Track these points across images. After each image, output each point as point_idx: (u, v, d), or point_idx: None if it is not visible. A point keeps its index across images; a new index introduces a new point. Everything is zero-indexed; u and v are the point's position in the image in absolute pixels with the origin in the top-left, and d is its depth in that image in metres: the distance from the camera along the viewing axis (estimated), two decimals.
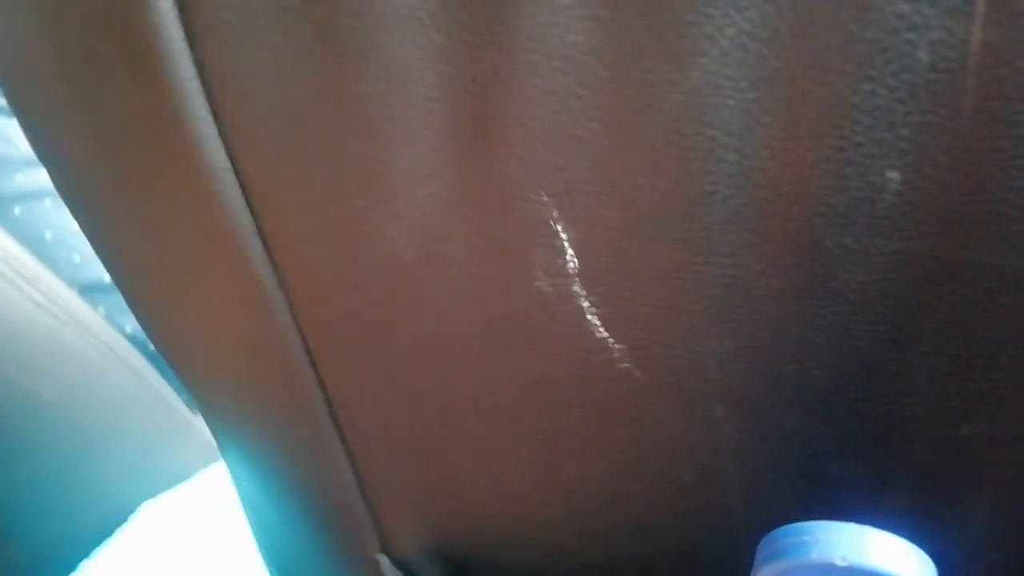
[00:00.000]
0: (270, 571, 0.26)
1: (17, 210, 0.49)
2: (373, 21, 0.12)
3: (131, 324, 0.54)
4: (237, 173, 0.14)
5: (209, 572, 0.41)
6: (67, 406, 0.43)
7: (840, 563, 0.10)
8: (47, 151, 0.18)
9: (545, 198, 0.13)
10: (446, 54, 0.12)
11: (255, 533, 0.26)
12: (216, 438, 0.24)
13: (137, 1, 0.13)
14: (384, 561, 0.20)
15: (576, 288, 0.14)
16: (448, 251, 0.14)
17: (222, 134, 0.14)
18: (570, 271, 0.14)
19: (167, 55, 0.13)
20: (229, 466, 0.25)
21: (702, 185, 0.12)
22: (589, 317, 0.15)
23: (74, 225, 0.56)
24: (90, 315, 0.47)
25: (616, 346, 0.15)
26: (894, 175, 0.12)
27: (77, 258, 0.52)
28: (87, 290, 0.51)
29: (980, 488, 0.15)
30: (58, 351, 0.43)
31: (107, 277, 0.54)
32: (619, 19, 0.12)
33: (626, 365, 0.15)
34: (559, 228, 0.14)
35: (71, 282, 0.48)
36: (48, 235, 0.50)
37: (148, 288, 0.19)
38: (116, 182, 0.16)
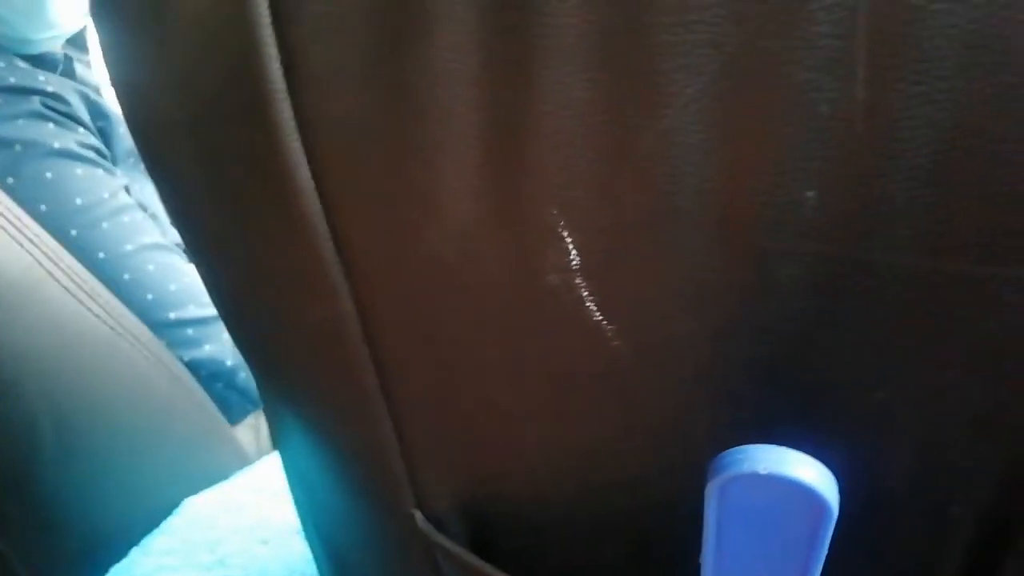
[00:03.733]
0: (308, 532, 0.30)
1: (74, 232, 0.54)
2: (430, 79, 0.17)
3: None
4: (321, 194, 0.19)
5: (247, 560, 0.45)
6: (120, 409, 0.48)
7: (762, 472, 0.14)
8: (166, 178, 0.22)
9: (555, 211, 0.18)
10: (483, 104, 0.17)
11: (297, 498, 0.30)
12: (271, 411, 0.29)
13: (253, 63, 0.18)
14: (419, 515, 0.24)
15: (578, 281, 0.18)
16: (481, 252, 0.19)
17: (311, 162, 0.19)
18: (573, 267, 0.18)
19: (273, 103, 0.18)
20: (279, 435, 0.29)
21: (671, 200, 0.17)
22: (588, 304, 0.19)
23: (122, 248, 0.61)
24: (141, 328, 0.51)
25: (608, 327, 0.19)
26: (811, 193, 0.16)
27: (126, 276, 0.57)
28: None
29: (895, 442, 0.19)
30: (114, 358, 0.48)
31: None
32: (611, 80, 0.16)
33: (616, 343, 0.19)
34: (565, 234, 0.18)
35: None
36: (101, 255, 0.55)
37: (234, 282, 0.24)
38: (223, 202, 0.21)
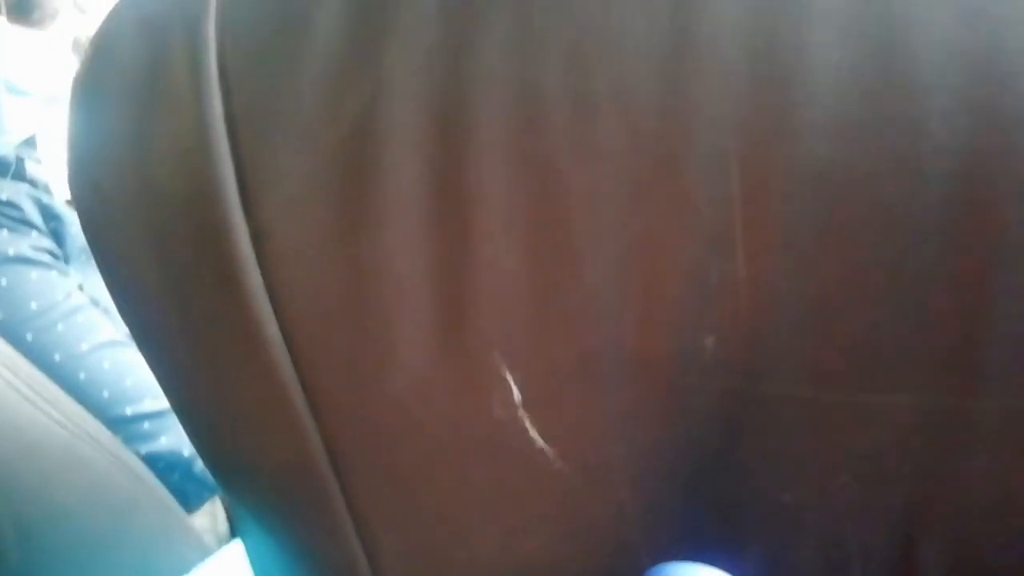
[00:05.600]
0: None
1: (29, 336, 0.55)
2: (384, 255, 0.19)
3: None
4: (289, 348, 0.21)
5: None
6: (82, 512, 0.48)
7: None
8: (136, 320, 0.24)
9: (497, 355, 0.21)
10: (430, 274, 0.20)
11: None
12: (233, 510, 0.30)
13: (223, 235, 0.20)
14: None
15: (521, 414, 0.21)
16: (434, 394, 0.21)
17: (279, 320, 0.21)
18: (516, 402, 0.21)
19: (243, 271, 0.20)
20: (243, 533, 0.31)
21: (594, 347, 0.20)
22: (531, 433, 0.21)
23: (77, 349, 0.62)
24: (100, 429, 0.52)
25: (550, 451, 0.22)
26: (710, 341, 0.19)
27: (82, 376, 0.58)
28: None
29: (802, 537, 0.22)
30: (74, 462, 0.49)
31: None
32: (536, 253, 0.19)
33: (558, 465, 0.22)
34: (507, 375, 0.21)
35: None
36: (57, 357, 0.56)
37: (203, 416, 0.26)
38: (191, 346, 0.23)
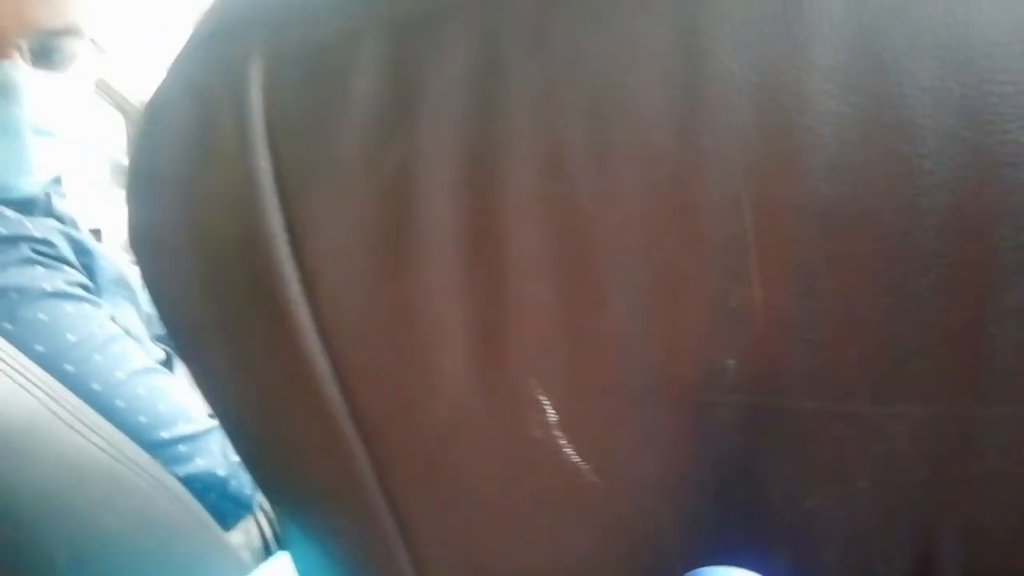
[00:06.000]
0: None
1: (69, 368, 0.57)
2: (424, 294, 0.21)
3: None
4: (338, 380, 0.23)
5: None
6: (128, 534, 0.50)
7: None
8: (195, 359, 0.26)
9: (532, 381, 0.22)
10: (467, 310, 0.21)
11: None
12: (284, 533, 0.32)
13: (275, 281, 0.22)
14: None
15: (556, 434, 0.23)
16: (474, 416, 0.23)
17: (329, 355, 0.23)
18: (551, 422, 0.23)
19: (294, 313, 0.22)
20: (290, 542, 0.33)
21: (623, 372, 0.21)
22: (566, 450, 0.23)
23: (114, 377, 0.64)
24: (140, 453, 0.54)
25: (585, 467, 0.23)
26: (732, 362, 0.21)
27: (120, 403, 0.60)
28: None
29: (825, 541, 0.23)
30: (119, 487, 0.50)
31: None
32: (565, 288, 0.21)
33: (594, 479, 0.23)
34: (542, 398, 0.22)
35: None
36: (95, 386, 0.58)
37: (257, 442, 0.27)
38: (249, 384, 0.25)
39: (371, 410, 0.23)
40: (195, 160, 0.22)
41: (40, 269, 0.57)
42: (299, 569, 0.36)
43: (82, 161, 0.69)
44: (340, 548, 0.29)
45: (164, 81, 0.23)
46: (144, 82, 1.49)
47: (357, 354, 0.23)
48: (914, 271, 0.18)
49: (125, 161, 1.56)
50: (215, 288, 0.23)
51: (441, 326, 0.22)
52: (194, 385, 0.31)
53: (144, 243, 0.24)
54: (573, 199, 0.19)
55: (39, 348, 0.55)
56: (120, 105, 1.46)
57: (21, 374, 0.48)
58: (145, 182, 0.23)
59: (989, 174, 0.17)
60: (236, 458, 0.68)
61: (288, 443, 0.26)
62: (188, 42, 0.23)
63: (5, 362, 0.48)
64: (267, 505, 0.85)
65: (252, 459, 0.28)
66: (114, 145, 1.50)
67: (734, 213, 0.19)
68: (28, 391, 0.47)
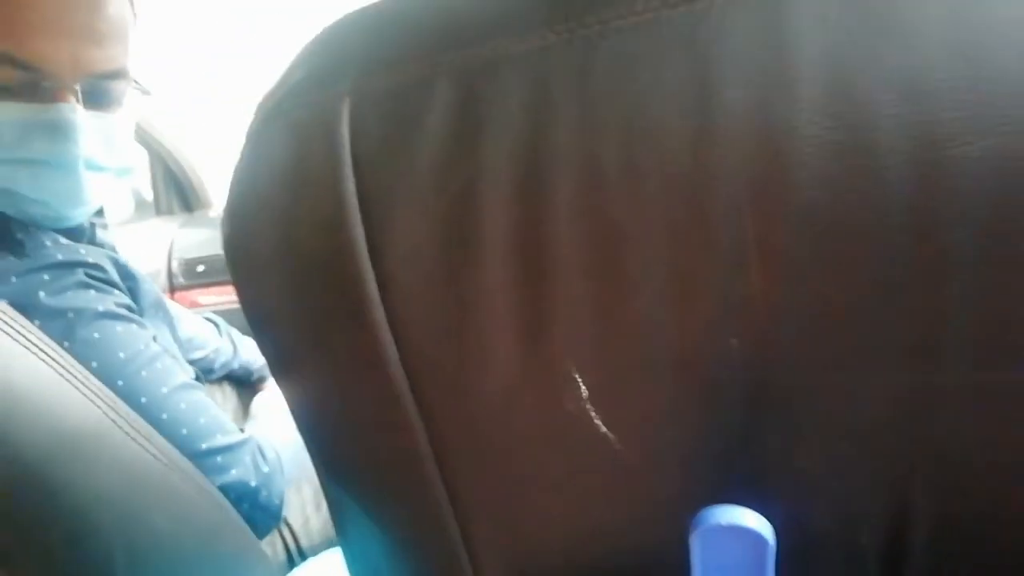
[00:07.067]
0: None
1: (120, 382, 0.61)
2: (479, 293, 0.26)
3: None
4: (405, 369, 0.27)
5: None
6: (178, 536, 0.54)
7: (724, 524, 0.23)
8: (277, 355, 0.31)
9: (568, 362, 0.27)
10: (515, 306, 0.26)
11: None
12: (335, 506, 0.36)
13: (359, 285, 0.27)
14: None
15: (588, 407, 0.27)
16: (519, 397, 0.27)
17: (398, 347, 0.27)
18: (584, 398, 0.27)
19: (372, 311, 0.27)
20: (343, 527, 0.37)
21: (644, 354, 0.26)
22: (596, 421, 0.28)
23: (159, 392, 0.68)
24: (186, 462, 0.58)
25: (612, 437, 0.28)
26: (735, 341, 0.25)
27: (164, 416, 0.64)
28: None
29: (816, 499, 0.28)
30: (170, 491, 0.55)
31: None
32: (597, 282, 0.25)
33: (620, 447, 0.28)
34: (576, 376, 0.27)
35: None
36: (143, 400, 0.63)
37: (329, 426, 0.32)
38: (327, 376, 0.29)
39: (429, 389, 0.28)
40: (291, 185, 0.27)
41: (93, 292, 0.62)
42: (352, 557, 0.40)
43: (125, 193, 0.74)
44: (395, 522, 0.33)
45: (261, 120, 0.28)
46: (167, 121, 1.56)
47: (422, 344, 0.27)
48: (882, 264, 0.23)
49: (148, 196, 1.62)
50: (303, 290, 0.28)
51: (494, 319, 0.26)
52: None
53: (241, 257, 0.29)
54: (606, 209, 0.24)
55: (94, 364, 0.59)
56: (145, 141, 1.52)
57: (86, 386, 0.53)
58: (243, 205, 0.28)
59: (937, 184, 0.22)
60: (266, 469, 0.72)
61: (358, 422, 0.30)
62: (282, 87, 0.28)
63: (74, 375, 0.52)
64: (292, 519, 0.89)
65: (321, 439, 0.33)
66: (138, 180, 1.55)
67: (737, 219, 0.23)
68: (93, 402, 0.52)
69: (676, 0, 0.24)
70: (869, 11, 0.23)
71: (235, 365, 1.03)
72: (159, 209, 1.63)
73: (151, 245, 1.45)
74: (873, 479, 0.27)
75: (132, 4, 0.69)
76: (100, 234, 0.75)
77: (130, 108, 0.70)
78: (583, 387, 0.27)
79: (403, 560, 0.34)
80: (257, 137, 0.28)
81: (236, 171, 0.29)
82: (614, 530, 0.29)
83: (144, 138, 1.49)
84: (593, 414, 0.27)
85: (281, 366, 0.31)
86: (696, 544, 0.24)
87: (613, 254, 0.25)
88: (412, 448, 0.30)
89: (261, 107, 0.29)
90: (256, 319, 0.30)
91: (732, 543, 0.24)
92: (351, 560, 0.40)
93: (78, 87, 0.63)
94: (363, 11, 0.28)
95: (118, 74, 0.66)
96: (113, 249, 0.75)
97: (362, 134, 0.26)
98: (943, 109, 0.22)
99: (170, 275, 1.42)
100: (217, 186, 1.66)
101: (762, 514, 0.27)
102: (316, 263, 0.28)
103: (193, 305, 1.38)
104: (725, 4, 0.24)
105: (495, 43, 0.25)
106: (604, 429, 0.28)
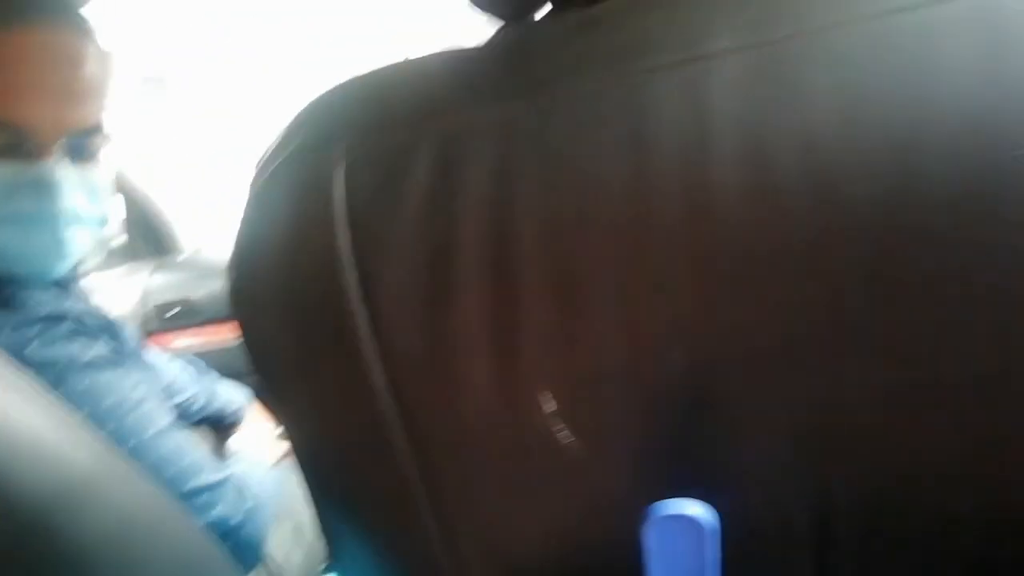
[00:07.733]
0: None
1: (110, 427, 0.64)
2: (456, 321, 0.30)
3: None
4: (393, 396, 0.31)
5: None
6: (171, 573, 0.57)
7: (673, 514, 0.27)
8: (273, 382, 0.34)
9: (535, 379, 0.31)
10: (488, 331, 0.30)
11: None
12: (328, 532, 0.40)
13: (350, 322, 0.31)
14: None
15: (552, 421, 0.31)
16: (493, 415, 0.31)
17: (386, 375, 0.31)
18: (549, 414, 0.31)
19: (363, 344, 0.31)
20: (338, 550, 0.40)
21: (600, 371, 0.30)
22: (561, 433, 0.32)
23: (146, 435, 0.70)
24: (176, 503, 0.61)
25: (576, 445, 0.32)
26: (676, 354, 0.29)
27: (151, 458, 0.67)
28: None
29: (754, 491, 0.32)
30: (166, 529, 0.57)
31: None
32: (560, 307, 0.29)
33: (583, 455, 0.32)
34: (543, 394, 0.31)
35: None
36: (131, 443, 0.65)
37: (318, 450, 0.35)
38: (318, 407, 0.33)
39: (413, 409, 0.32)
40: (290, 238, 0.31)
41: (80, 342, 0.64)
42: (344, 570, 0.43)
43: (104, 243, 0.77)
44: (381, 537, 0.37)
45: (263, 182, 0.32)
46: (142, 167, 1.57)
47: (406, 369, 0.31)
48: (790, 286, 0.28)
49: (118, 240, 1.63)
50: (300, 328, 0.32)
51: (468, 344, 0.30)
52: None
53: (244, 301, 0.33)
54: (563, 250, 0.29)
55: (84, 411, 0.62)
56: (118, 186, 1.54)
57: (81, 433, 0.55)
58: (247, 257, 0.32)
59: (831, 219, 0.27)
60: (250, 504, 0.75)
61: (348, 448, 0.34)
62: (281, 151, 0.32)
63: (69, 423, 0.55)
64: (275, 552, 0.90)
65: (315, 468, 0.36)
66: (113, 226, 1.56)
67: (670, 254, 0.28)
68: (88, 447, 0.55)
69: (617, 72, 0.29)
70: (773, 80, 0.28)
71: (212, 409, 1.05)
72: (131, 253, 1.64)
73: (124, 290, 1.47)
74: (800, 472, 0.31)
75: (106, 62, 0.73)
76: (81, 284, 0.77)
77: (106, 159, 0.74)
78: (549, 403, 0.31)
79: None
80: (259, 197, 0.32)
81: (240, 226, 0.33)
82: (578, 527, 0.33)
83: (117, 183, 1.50)
84: (557, 427, 0.31)
85: (279, 398, 0.35)
86: (648, 534, 0.28)
87: (571, 288, 0.29)
88: (399, 464, 0.33)
89: (263, 169, 0.33)
90: (256, 355, 0.34)
91: (679, 531, 0.28)
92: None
93: (60, 144, 0.66)
94: (351, 82, 0.33)
95: (96, 129, 0.70)
96: (90, 297, 0.78)
97: (355, 191, 0.30)
98: (834, 160, 0.27)
99: (144, 319, 1.44)
100: (187, 229, 1.68)
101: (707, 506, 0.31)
102: (313, 304, 0.31)
103: (169, 349, 1.39)
104: (655, 76, 0.29)
105: (468, 114, 0.30)
106: (569, 438, 0.32)
